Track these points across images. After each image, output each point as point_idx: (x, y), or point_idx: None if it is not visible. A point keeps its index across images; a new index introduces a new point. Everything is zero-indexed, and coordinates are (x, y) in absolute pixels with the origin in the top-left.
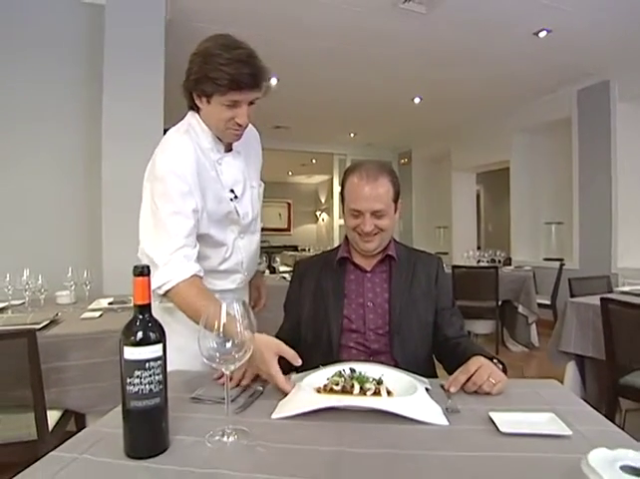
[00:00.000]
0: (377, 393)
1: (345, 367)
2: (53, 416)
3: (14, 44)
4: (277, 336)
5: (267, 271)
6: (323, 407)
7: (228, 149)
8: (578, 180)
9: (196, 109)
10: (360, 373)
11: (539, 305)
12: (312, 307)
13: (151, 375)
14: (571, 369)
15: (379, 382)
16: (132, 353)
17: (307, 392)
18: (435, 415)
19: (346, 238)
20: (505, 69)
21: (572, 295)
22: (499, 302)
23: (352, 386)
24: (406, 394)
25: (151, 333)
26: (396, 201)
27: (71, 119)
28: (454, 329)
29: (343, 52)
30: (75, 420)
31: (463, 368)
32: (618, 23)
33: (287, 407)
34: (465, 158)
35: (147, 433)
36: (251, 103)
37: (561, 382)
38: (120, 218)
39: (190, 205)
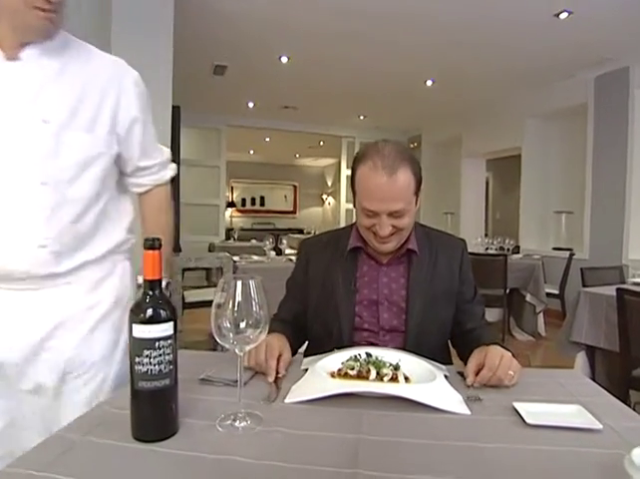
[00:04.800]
0: (394, 379)
1: (361, 351)
2: None
3: None
4: (278, 315)
5: (273, 253)
6: (338, 393)
7: (11, 57)
8: (592, 169)
9: None
10: (376, 358)
11: (547, 295)
12: (320, 299)
13: (160, 355)
14: (581, 360)
15: (396, 368)
16: (141, 331)
17: (321, 377)
18: (456, 404)
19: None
20: (522, 52)
21: (584, 285)
22: (507, 291)
23: (368, 371)
24: (424, 381)
25: (161, 311)
26: (417, 192)
27: None
28: (474, 321)
29: (356, 31)
30: None
31: (485, 362)
32: None
33: (301, 392)
34: (476, 143)
35: (155, 415)
36: None
37: None
38: None
39: None
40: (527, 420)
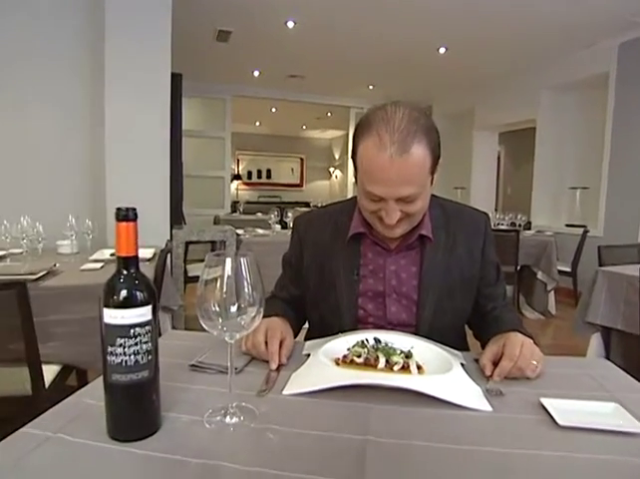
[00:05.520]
0: (405, 369)
1: (369, 336)
2: (51, 371)
3: None
4: (276, 293)
5: (279, 227)
6: (343, 385)
7: None
8: (610, 143)
9: None
10: (386, 344)
11: (559, 272)
12: (318, 288)
13: (137, 344)
14: (596, 341)
15: (408, 356)
16: (113, 317)
17: (325, 364)
18: (475, 399)
19: None
20: (541, 18)
21: (601, 264)
22: (518, 267)
23: (376, 359)
24: (439, 371)
25: (137, 293)
26: (434, 170)
27: (74, 62)
28: (495, 301)
29: None
30: (77, 375)
31: (505, 352)
32: None
33: (301, 382)
34: (488, 115)
35: (132, 412)
36: None
37: (583, 353)
38: (125, 163)
39: None
40: (559, 421)
